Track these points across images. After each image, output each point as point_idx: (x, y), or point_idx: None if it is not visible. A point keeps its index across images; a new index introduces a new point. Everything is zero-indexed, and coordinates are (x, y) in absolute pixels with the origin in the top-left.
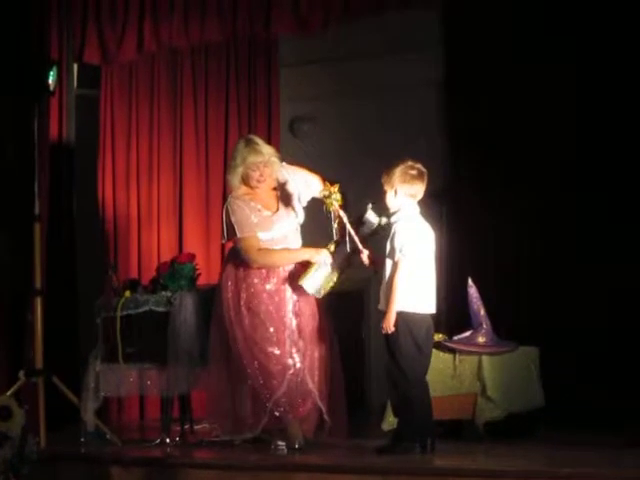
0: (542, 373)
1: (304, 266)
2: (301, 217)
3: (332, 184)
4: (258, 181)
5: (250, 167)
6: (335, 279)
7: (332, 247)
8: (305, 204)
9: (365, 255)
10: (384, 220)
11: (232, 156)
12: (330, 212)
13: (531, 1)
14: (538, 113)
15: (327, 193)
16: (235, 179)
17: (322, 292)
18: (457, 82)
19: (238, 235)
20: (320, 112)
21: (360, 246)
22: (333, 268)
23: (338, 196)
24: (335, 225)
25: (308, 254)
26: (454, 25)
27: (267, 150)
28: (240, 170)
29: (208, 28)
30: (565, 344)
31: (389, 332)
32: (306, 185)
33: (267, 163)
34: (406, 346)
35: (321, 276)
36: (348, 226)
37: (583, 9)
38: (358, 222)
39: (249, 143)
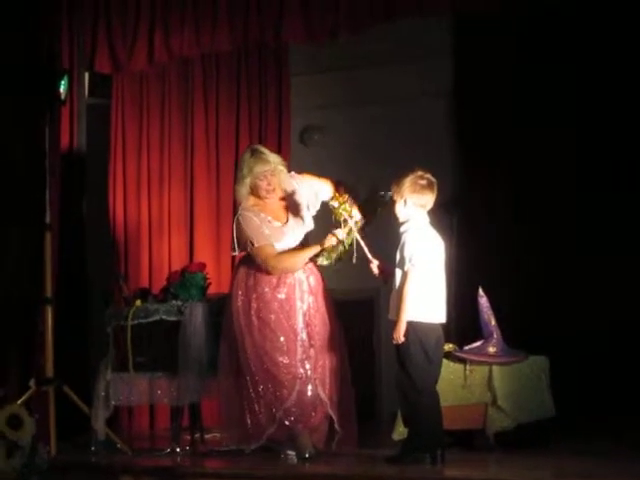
0: (552, 382)
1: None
2: (310, 226)
3: (341, 194)
4: (267, 191)
5: (257, 177)
6: (342, 249)
7: (339, 234)
8: (314, 212)
9: (375, 265)
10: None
11: (239, 167)
12: (339, 222)
13: (541, 13)
14: (547, 123)
15: (336, 204)
16: (243, 189)
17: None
18: (466, 92)
19: (255, 244)
20: (330, 121)
21: (370, 256)
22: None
23: (347, 207)
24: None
25: (319, 246)
26: (464, 35)
27: (273, 159)
28: (248, 181)
29: (219, 38)
30: (576, 353)
31: (399, 342)
32: (314, 194)
33: (274, 172)
34: (416, 356)
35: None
36: (357, 236)
37: (587, 24)
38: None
39: (255, 153)
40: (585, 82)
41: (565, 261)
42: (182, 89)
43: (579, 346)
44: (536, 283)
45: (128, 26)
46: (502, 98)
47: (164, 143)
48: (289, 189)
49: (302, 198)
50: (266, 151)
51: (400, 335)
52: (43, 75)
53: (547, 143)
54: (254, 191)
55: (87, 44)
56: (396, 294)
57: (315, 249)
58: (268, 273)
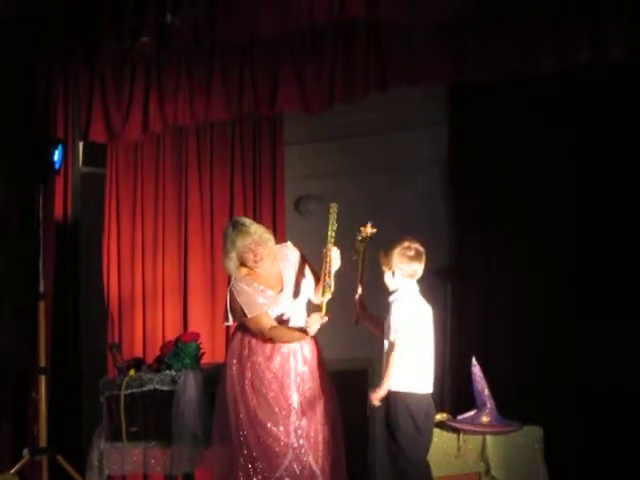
0: (546, 453)
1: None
2: (309, 294)
3: (373, 227)
4: (255, 261)
5: (242, 250)
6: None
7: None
8: (310, 284)
9: (358, 295)
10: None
11: (223, 242)
12: (358, 251)
13: (536, 79)
14: (545, 192)
15: (364, 236)
16: (232, 263)
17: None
18: (462, 159)
19: (249, 315)
20: (326, 190)
21: (359, 290)
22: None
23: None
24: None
25: (306, 334)
26: (459, 103)
27: (255, 229)
28: (234, 255)
29: (213, 107)
30: (569, 422)
31: (374, 405)
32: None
33: (259, 242)
34: (406, 426)
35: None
36: (360, 263)
37: (584, 88)
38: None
39: (236, 226)
40: (584, 146)
41: (562, 330)
42: (176, 158)
43: (577, 415)
44: (532, 352)
45: (123, 95)
46: (497, 165)
47: (158, 212)
48: (281, 256)
49: (295, 266)
50: (247, 222)
51: (376, 398)
52: (38, 144)
53: (544, 209)
54: (243, 263)
55: (82, 113)
56: (384, 363)
57: (304, 334)
58: (264, 341)
